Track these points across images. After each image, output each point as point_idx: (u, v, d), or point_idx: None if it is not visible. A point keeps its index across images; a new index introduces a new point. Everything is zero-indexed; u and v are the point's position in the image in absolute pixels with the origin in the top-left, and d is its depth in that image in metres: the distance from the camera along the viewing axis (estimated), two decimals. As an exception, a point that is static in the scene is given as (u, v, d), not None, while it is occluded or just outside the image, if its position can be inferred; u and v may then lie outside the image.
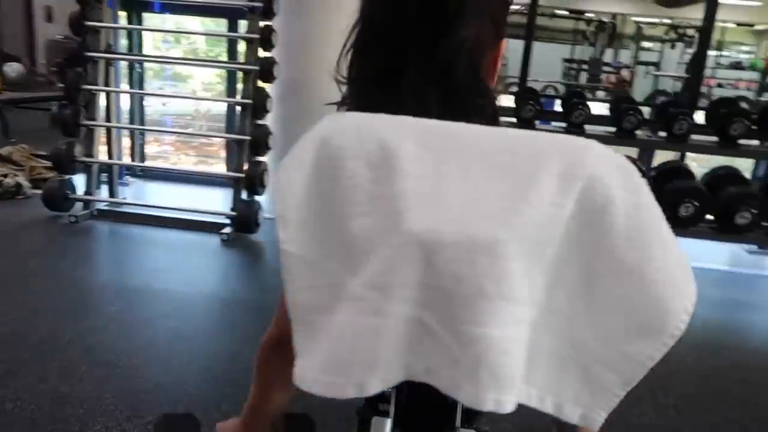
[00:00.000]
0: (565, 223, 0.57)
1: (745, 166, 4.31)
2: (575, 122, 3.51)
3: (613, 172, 0.58)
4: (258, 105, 3.78)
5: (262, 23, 3.80)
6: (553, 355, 0.61)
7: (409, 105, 0.68)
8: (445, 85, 0.69)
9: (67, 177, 3.98)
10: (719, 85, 10.37)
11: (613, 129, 3.61)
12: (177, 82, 7.85)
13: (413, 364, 0.58)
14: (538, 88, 5.70)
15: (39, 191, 4.14)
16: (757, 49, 12.47)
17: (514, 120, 3.53)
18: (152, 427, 0.92)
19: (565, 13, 10.50)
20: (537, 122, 3.69)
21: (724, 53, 11.27)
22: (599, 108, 4.55)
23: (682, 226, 3.12)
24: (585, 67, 10.43)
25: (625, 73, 10.58)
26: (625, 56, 11.29)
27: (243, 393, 0.94)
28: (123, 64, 4.78)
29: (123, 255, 3.70)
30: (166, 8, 5.03)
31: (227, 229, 3.85)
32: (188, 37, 6.96)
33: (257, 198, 3.91)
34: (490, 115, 0.72)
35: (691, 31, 10.51)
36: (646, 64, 10.83)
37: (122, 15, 4.85)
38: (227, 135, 4.71)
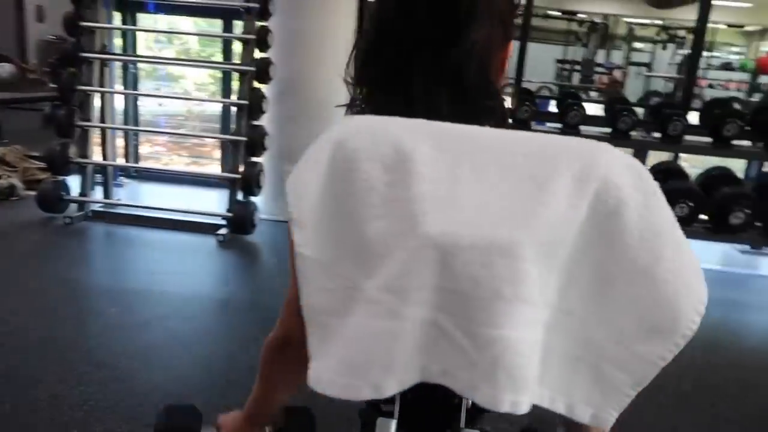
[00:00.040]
0: (578, 225, 0.57)
1: (737, 166, 4.35)
2: (571, 123, 3.53)
3: (626, 174, 0.58)
4: (254, 106, 3.78)
5: (258, 24, 3.79)
6: (564, 355, 0.61)
7: (418, 107, 0.68)
8: (455, 87, 0.69)
9: (61, 178, 3.96)
10: (710, 86, 10.43)
11: (608, 130, 3.64)
12: (169, 82, 7.82)
13: (429, 366, 0.59)
14: (532, 89, 5.71)
15: (33, 192, 4.12)
16: (748, 51, 12.56)
17: (509, 121, 3.55)
18: (155, 418, 0.92)
19: (558, 13, 10.54)
20: (533, 123, 3.71)
21: (715, 54, 11.34)
22: (592, 108, 4.57)
23: (676, 226, 3.13)
24: (578, 67, 10.46)
25: (617, 73, 10.62)
26: (617, 57, 11.34)
27: (242, 393, 0.94)
28: (116, 65, 4.76)
29: (119, 257, 3.69)
30: (160, 8, 5.02)
31: (223, 230, 3.84)
32: (180, 37, 6.93)
33: (253, 199, 3.91)
34: (499, 117, 0.72)
35: (681, 32, 10.58)
36: (638, 64, 10.88)
37: (116, 15, 4.83)
38: (223, 136, 4.70)
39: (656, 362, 0.60)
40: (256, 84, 3.84)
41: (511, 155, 0.59)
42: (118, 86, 4.92)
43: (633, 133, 3.60)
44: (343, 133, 0.60)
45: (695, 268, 0.60)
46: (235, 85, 4.16)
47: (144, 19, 5.26)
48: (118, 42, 4.98)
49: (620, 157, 0.59)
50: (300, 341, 0.82)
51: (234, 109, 4.05)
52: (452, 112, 0.68)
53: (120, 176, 4.96)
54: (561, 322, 0.60)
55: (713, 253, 4.23)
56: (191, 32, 6.56)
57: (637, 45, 11.80)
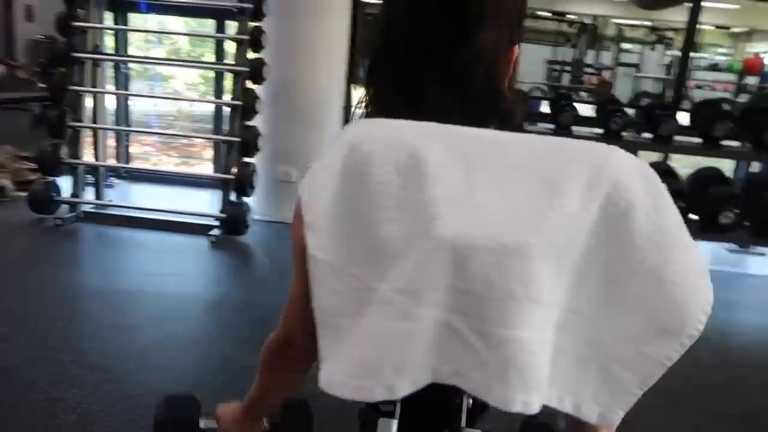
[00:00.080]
0: (589, 227, 0.58)
1: (726, 166, 4.40)
2: (563, 124, 3.56)
3: (635, 176, 0.59)
4: (247, 106, 3.77)
5: (251, 24, 3.79)
6: (573, 355, 0.62)
7: (427, 109, 0.68)
8: (463, 91, 0.70)
9: (52, 179, 3.93)
10: (698, 87, 10.53)
11: (599, 130, 3.66)
12: (160, 82, 7.78)
13: (441, 366, 0.59)
14: (524, 89, 5.73)
15: (23, 193, 4.08)
16: (734, 52, 12.69)
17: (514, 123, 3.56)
18: (154, 407, 0.93)
19: (548, 14, 10.59)
20: (525, 124, 3.72)
21: (702, 55, 11.45)
22: (583, 109, 4.60)
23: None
24: (568, 68, 10.52)
25: (606, 74, 10.69)
26: (607, 58, 11.42)
27: (237, 394, 0.95)
28: (107, 64, 4.73)
29: (111, 258, 3.67)
30: (152, 8, 4.99)
31: (216, 231, 3.83)
32: (170, 36, 6.89)
33: (246, 199, 3.90)
34: (506, 120, 0.73)
35: (670, 33, 10.67)
36: (627, 65, 10.97)
37: (107, 15, 4.79)
38: (217, 136, 4.68)
39: (663, 362, 0.61)
40: (249, 84, 3.83)
41: (523, 158, 0.60)
42: (110, 86, 4.89)
43: (624, 134, 3.63)
44: (357, 137, 0.61)
45: (701, 269, 0.61)
46: (228, 85, 4.15)
47: (135, 19, 5.23)
48: (109, 42, 4.95)
49: (630, 160, 0.60)
50: (301, 342, 0.82)
51: (227, 109, 4.03)
52: (461, 114, 0.69)
53: (110, 177, 4.93)
54: (570, 322, 0.61)
55: (703, 252, 4.28)
56: (185, 33, 6.52)
57: (626, 46, 11.89)
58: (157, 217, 3.98)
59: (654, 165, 3.85)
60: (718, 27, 11.83)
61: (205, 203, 4.48)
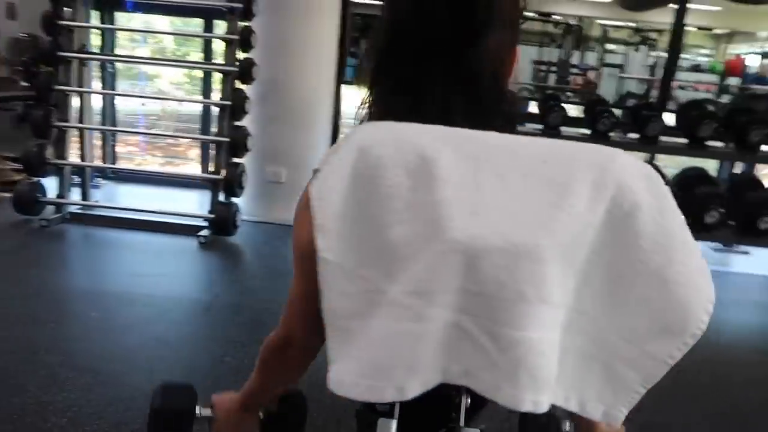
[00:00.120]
0: (595, 228, 0.59)
1: (710, 166, 4.46)
2: (552, 124, 3.59)
3: (640, 178, 0.60)
4: (237, 106, 3.75)
5: (241, 24, 3.77)
6: (578, 354, 0.63)
7: (432, 110, 0.69)
8: (469, 91, 0.71)
9: (37, 179, 3.88)
10: (681, 88, 10.67)
11: (587, 131, 3.70)
12: (145, 81, 7.71)
13: (451, 367, 0.60)
14: (513, 90, 5.74)
15: (8, 194, 4.02)
16: (716, 53, 12.87)
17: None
18: (151, 395, 0.93)
19: (534, 15, 10.65)
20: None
21: (685, 56, 11.60)
22: (569, 109, 4.63)
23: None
24: (553, 69, 10.60)
25: (591, 74, 10.79)
26: (591, 58, 11.51)
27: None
28: (93, 64, 4.67)
29: (99, 259, 3.62)
30: (138, 7, 4.94)
31: (205, 232, 3.80)
32: (155, 35, 6.82)
33: (235, 200, 3.88)
34: (510, 121, 0.74)
35: (653, 35, 10.79)
36: (611, 66, 11.07)
37: (94, 14, 4.74)
38: (206, 136, 4.65)
39: (666, 360, 0.62)
40: (238, 84, 3.81)
41: (531, 161, 0.60)
42: (95, 85, 4.83)
43: (611, 134, 3.67)
44: (366, 140, 0.61)
45: (704, 269, 0.62)
46: (216, 85, 4.13)
47: (121, 18, 5.17)
48: (95, 40, 4.89)
49: (634, 162, 0.62)
50: (301, 342, 0.83)
51: (215, 109, 4.01)
52: (465, 114, 0.70)
53: (96, 177, 4.88)
54: (575, 321, 0.62)
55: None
56: (175, 32, 6.45)
57: (611, 47, 12.00)
58: (144, 217, 3.94)
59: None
60: (700, 28, 11.98)
61: (193, 204, 4.45)
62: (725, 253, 4.51)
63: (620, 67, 11.00)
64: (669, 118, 3.87)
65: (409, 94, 0.71)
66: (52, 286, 3.05)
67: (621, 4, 9.98)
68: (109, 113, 5.05)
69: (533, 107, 4.55)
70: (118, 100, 5.38)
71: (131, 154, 6.25)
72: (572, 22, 11.26)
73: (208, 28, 4.71)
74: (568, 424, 0.65)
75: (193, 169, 5.73)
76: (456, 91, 0.70)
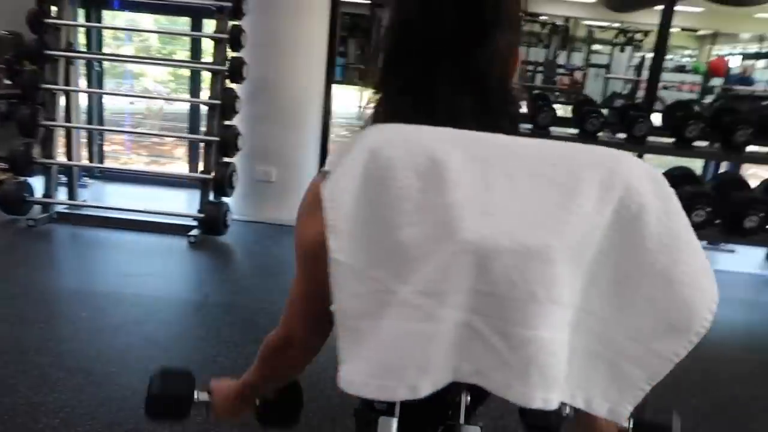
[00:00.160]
0: (603, 230, 0.60)
1: (695, 165, 4.52)
2: (541, 124, 3.61)
3: (646, 180, 0.62)
4: (227, 105, 3.74)
5: (231, 23, 3.75)
6: (584, 353, 0.64)
7: (439, 110, 0.70)
8: (476, 91, 0.71)
9: (24, 179, 3.83)
10: (665, 88, 10.80)
11: (575, 131, 3.74)
12: (131, 80, 7.64)
13: (461, 366, 0.61)
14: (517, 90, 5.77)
15: (-7, 194, 3.97)
16: (699, 54, 13.04)
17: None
18: (149, 378, 0.94)
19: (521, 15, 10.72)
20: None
21: (669, 57, 11.75)
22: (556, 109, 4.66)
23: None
24: (540, 69, 10.68)
25: (577, 74, 10.88)
26: (578, 59, 11.61)
27: None
28: (80, 62, 4.62)
29: (87, 259, 3.59)
30: (125, 6, 4.90)
31: (194, 231, 3.78)
32: (140, 34, 6.76)
33: (225, 199, 3.86)
34: (515, 120, 0.75)
35: (639, 35, 10.92)
36: (597, 66, 11.18)
37: (80, 12, 4.69)
38: (196, 136, 4.62)
39: (671, 359, 0.63)
40: (228, 83, 3.80)
41: (540, 162, 0.61)
42: (82, 83, 4.78)
43: (600, 134, 3.71)
44: (377, 142, 0.62)
45: (707, 269, 0.64)
46: (204, 83, 4.10)
47: (107, 16, 5.12)
48: (81, 38, 4.84)
49: (640, 164, 0.63)
50: (302, 342, 0.84)
51: (203, 108, 3.99)
52: (472, 114, 0.71)
53: (83, 176, 4.83)
54: (583, 321, 0.63)
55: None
56: (164, 31, 6.39)
57: (597, 47, 12.11)
58: (133, 217, 3.91)
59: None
60: (684, 29, 12.13)
61: (182, 203, 4.42)
62: (711, 252, 4.58)
63: (606, 67, 11.11)
64: (656, 119, 3.92)
65: (417, 95, 0.72)
66: (41, 286, 3.02)
67: (606, 5, 10.08)
68: (96, 112, 5.00)
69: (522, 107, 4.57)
70: (105, 99, 5.32)
71: (117, 153, 6.19)
72: (559, 22, 11.35)
73: (196, 26, 4.68)
74: (568, 407, 0.66)
75: (180, 167, 5.69)
76: (464, 91, 0.71)
